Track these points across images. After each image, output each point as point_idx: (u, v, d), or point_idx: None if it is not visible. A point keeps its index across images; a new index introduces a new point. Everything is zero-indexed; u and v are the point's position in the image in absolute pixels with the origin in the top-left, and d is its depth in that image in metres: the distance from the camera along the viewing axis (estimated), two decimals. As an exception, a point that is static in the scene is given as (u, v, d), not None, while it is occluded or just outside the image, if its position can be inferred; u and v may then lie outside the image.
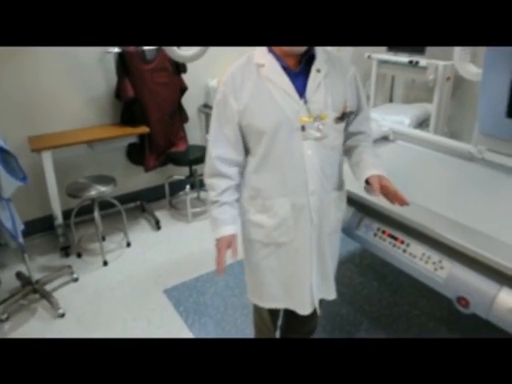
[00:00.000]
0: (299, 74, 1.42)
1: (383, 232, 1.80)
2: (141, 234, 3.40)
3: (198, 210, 3.65)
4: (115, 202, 3.16)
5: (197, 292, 2.69)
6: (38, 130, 3.13)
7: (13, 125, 3.02)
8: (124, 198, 3.54)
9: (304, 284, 1.59)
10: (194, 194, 3.86)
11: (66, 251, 3.10)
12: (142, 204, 3.73)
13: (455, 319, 2.36)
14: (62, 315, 2.50)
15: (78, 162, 3.34)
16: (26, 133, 3.09)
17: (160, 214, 3.62)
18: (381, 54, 3.73)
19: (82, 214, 3.26)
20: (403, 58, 3.52)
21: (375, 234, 1.82)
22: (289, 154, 1.44)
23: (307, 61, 1.42)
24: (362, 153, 1.58)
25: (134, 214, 3.67)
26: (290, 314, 1.75)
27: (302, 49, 1.38)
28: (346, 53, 3.85)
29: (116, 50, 3.18)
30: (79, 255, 3.11)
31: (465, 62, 3.04)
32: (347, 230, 1.91)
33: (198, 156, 3.49)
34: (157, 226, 3.45)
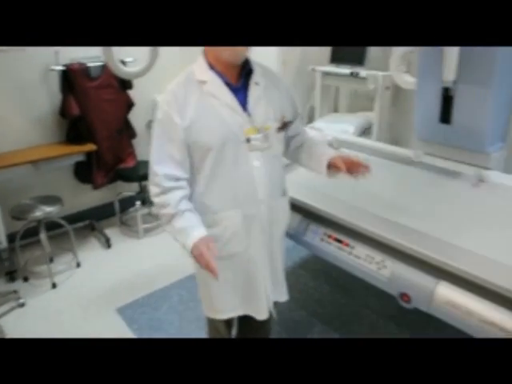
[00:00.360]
0: (240, 88, 1.47)
1: (329, 236, 1.85)
2: (91, 253, 3.31)
3: (149, 225, 3.60)
4: (63, 222, 3.07)
5: (151, 308, 2.65)
6: (-21, 152, 3.00)
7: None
8: (73, 218, 3.44)
9: (260, 289, 1.63)
10: (145, 210, 3.81)
11: (11, 276, 2.97)
12: (92, 223, 3.63)
13: (403, 315, 2.46)
14: (8, 343, 2.38)
15: (23, 182, 3.21)
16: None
17: (110, 232, 3.54)
18: (324, 66, 3.86)
19: (28, 236, 3.14)
20: (345, 69, 3.66)
21: (322, 239, 1.87)
22: (237, 167, 1.47)
23: (246, 75, 1.48)
24: (310, 147, 1.68)
25: (84, 234, 3.57)
26: (244, 322, 1.77)
27: (242, 58, 1.43)
28: (291, 65, 3.98)
29: (59, 67, 3.12)
30: (26, 279, 2.98)
31: (400, 72, 3.19)
32: (295, 237, 1.95)
33: (147, 171, 3.40)
34: (107, 244, 3.37)
